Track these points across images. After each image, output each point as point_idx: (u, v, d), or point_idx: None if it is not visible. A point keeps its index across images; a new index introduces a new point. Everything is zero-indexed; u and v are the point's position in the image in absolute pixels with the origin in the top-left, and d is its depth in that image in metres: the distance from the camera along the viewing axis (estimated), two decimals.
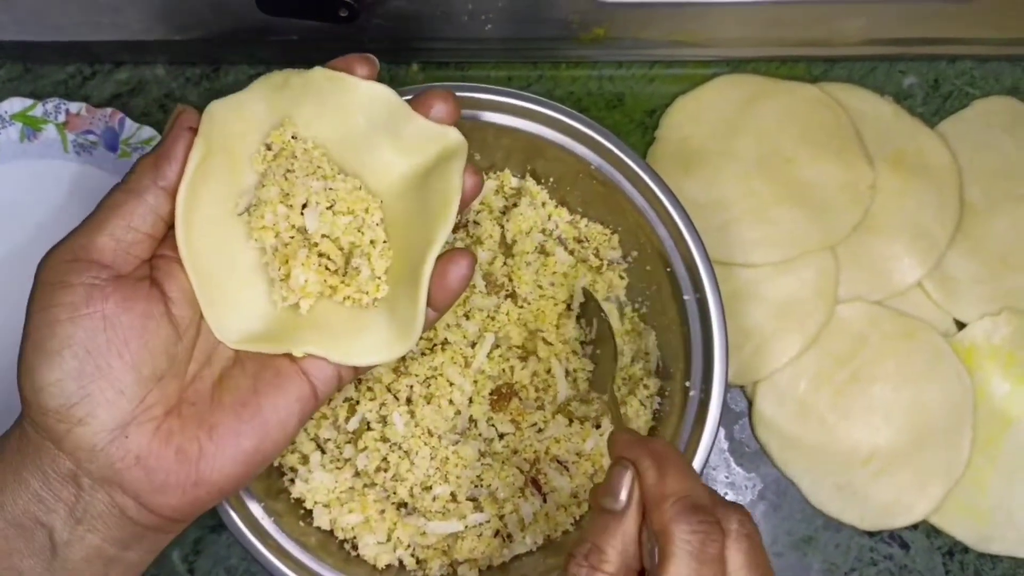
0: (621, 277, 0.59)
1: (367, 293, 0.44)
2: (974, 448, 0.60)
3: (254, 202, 0.44)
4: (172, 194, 0.42)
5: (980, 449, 0.60)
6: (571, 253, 0.59)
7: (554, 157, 0.56)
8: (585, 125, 0.54)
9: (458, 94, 0.52)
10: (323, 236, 0.44)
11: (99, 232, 0.40)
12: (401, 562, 0.54)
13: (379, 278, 0.44)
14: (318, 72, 0.44)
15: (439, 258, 0.43)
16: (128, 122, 0.61)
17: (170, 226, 0.42)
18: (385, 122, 0.44)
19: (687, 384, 0.53)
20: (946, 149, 0.64)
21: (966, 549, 0.60)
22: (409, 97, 0.45)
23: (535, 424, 0.55)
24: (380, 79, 0.64)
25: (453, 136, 0.44)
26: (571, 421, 0.56)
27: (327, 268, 0.44)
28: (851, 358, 0.61)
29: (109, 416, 0.39)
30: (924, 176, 0.64)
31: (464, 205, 0.44)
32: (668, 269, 0.55)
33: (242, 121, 0.44)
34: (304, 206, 0.43)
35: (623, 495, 0.39)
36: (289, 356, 0.43)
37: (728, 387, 0.52)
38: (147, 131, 0.61)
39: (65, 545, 0.39)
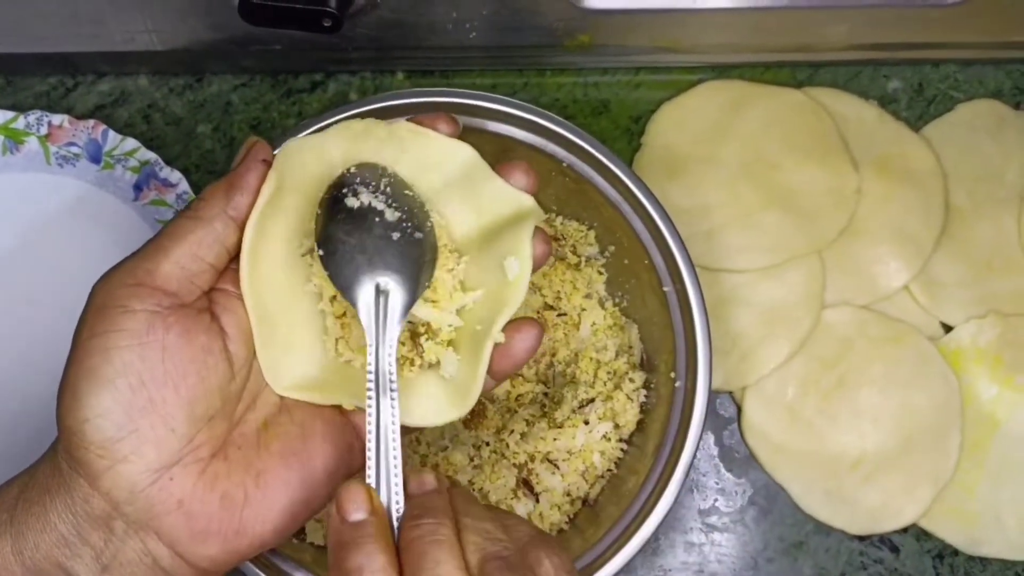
0: (600, 273, 0.59)
1: (422, 357, 0.42)
2: (962, 451, 0.60)
3: None
4: (240, 225, 0.40)
5: (968, 452, 0.60)
6: None
7: (525, 157, 0.56)
8: (554, 123, 0.54)
9: (419, 100, 0.53)
10: None
11: (165, 258, 0.38)
12: None
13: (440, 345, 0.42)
14: (403, 125, 0.43)
15: (505, 326, 0.41)
16: (111, 134, 0.60)
17: (232, 258, 0.40)
18: (461, 180, 0.43)
19: (672, 375, 0.53)
20: (931, 153, 0.65)
21: (956, 552, 0.60)
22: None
23: (513, 431, 0.55)
24: (365, 89, 0.65)
25: (528, 202, 0.43)
26: (557, 427, 0.56)
27: None
28: (838, 362, 0.61)
29: (156, 455, 0.36)
30: (909, 180, 0.64)
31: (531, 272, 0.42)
32: (646, 261, 0.55)
33: (318, 163, 0.42)
34: None
35: (360, 513, 0.36)
36: (338, 407, 0.41)
37: (712, 372, 0.52)
38: (130, 143, 0.60)
39: None
